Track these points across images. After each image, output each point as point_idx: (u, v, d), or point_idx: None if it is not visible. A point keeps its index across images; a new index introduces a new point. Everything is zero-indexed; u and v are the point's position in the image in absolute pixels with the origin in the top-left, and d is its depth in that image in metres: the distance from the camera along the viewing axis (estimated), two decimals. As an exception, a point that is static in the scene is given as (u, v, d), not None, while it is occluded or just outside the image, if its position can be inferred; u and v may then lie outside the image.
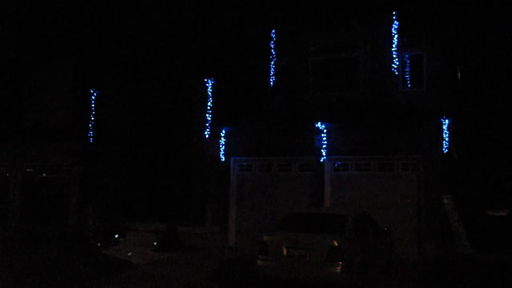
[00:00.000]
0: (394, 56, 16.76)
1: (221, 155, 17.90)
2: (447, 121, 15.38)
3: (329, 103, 17.16)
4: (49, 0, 20.56)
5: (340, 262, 10.17)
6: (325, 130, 16.54)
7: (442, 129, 15.47)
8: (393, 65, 16.72)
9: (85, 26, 20.04)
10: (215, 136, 17.86)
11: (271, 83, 18.13)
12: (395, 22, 16.86)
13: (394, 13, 16.89)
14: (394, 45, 16.82)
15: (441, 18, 16.76)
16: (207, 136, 17.86)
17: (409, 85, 16.97)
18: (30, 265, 13.08)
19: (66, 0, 20.27)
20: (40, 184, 20.78)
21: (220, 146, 17.87)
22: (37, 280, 11.64)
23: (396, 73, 16.75)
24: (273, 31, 18.34)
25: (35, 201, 20.62)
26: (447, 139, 15.50)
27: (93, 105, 19.74)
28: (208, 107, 17.70)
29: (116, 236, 17.43)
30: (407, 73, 17.03)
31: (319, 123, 16.50)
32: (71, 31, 20.22)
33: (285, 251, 10.67)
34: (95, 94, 19.78)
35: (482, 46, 17.70)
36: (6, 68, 21.72)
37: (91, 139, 19.52)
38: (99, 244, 16.49)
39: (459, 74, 17.92)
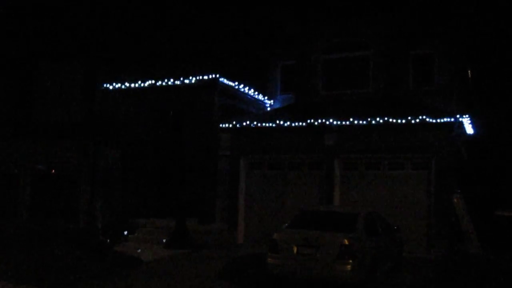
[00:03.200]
0: (405, 54, 16.71)
1: (231, 153, 17.90)
2: (457, 120, 15.32)
3: (339, 102, 17.13)
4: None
5: (351, 260, 10.15)
6: (335, 129, 16.51)
7: (452, 129, 15.41)
8: (403, 63, 16.67)
9: (96, 24, 20.09)
10: (225, 134, 17.87)
11: (281, 81, 18.11)
12: (407, 21, 16.80)
13: (404, 11, 16.84)
14: (404, 44, 16.76)
15: (451, 16, 16.70)
16: (217, 134, 17.86)
17: (420, 84, 16.92)
18: (40, 261, 13.13)
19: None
20: (49, 181, 20.83)
21: (230, 144, 17.86)
22: (47, 276, 11.69)
23: (407, 71, 16.70)
24: (284, 28, 18.33)
25: (45, 198, 20.68)
26: (457, 138, 15.43)
27: (103, 102, 19.78)
28: (218, 105, 17.68)
29: (126, 232, 17.47)
30: (418, 71, 16.98)
31: (329, 121, 16.48)
32: (81, 29, 20.27)
33: (295, 249, 10.65)
34: (105, 90, 19.81)
35: (493, 43, 17.64)
36: (17, 65, 21.80)
37: (100, 136, 19.56)
38: (108, 240, 16.50)
39: (469, 73, 17.85)
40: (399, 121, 15.92)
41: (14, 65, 21.86)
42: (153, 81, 18.87)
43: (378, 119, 16.17)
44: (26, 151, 21.02)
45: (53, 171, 20.70)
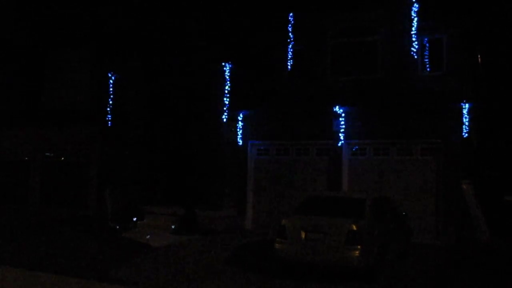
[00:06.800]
0: (414, 39, 16.54)
1: (238, 139, 17.92)
2: (467, 105, 15.19)
3: (347, 87, 17.03)
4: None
5: (359, 246, 10.14)
6: (343, 114, 16.45)
7: (461, 114, 15.30)
8: (412, 48, 16.51)
9: (103, 9, 20.03)
10: (232, 120, 17.87)
11: (289, 67, 18.02)
12: (415, 4, 16.61)
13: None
14: (413, 28, 16.58)
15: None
16: (224, 120, 17.88)
17: (429, 69, 16.77)
18: (51, 247, 13.27)
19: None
20: (59, 168, 20.98)
21: (238, 130, 17.88)
22: (59, 263, 11.81)
23: (416, 56, 16.54)
24: (291, 14, 18.20)
25: (55, 185, 20.83)
26: (466, 123, 15.33)
27: (111, 89, 19.84)
28: (226, 91, 17.68)
29: (135, 219, 17.58)
30: (426, 56, 16.82)
31: (337, 107, 16.41)
32: (89, 15, 20.24)
33: (303, 235, 10.66)
34: (113, 78, 19.86)
35: (503, 29, 17.40)
36: (26, 52, 21.86)
37: (109, 123, 19.63)
38: (118, 227, 16.65)
39: (479, 58, 17.66)
40: (407, 106, 15.80)
41: (23, 53, 21.92)
42: (162, 67, 18.90)
43: (386, 104, 16.06)
44: (35, 138, 21.15)
45: (63, 158, 20.83)
